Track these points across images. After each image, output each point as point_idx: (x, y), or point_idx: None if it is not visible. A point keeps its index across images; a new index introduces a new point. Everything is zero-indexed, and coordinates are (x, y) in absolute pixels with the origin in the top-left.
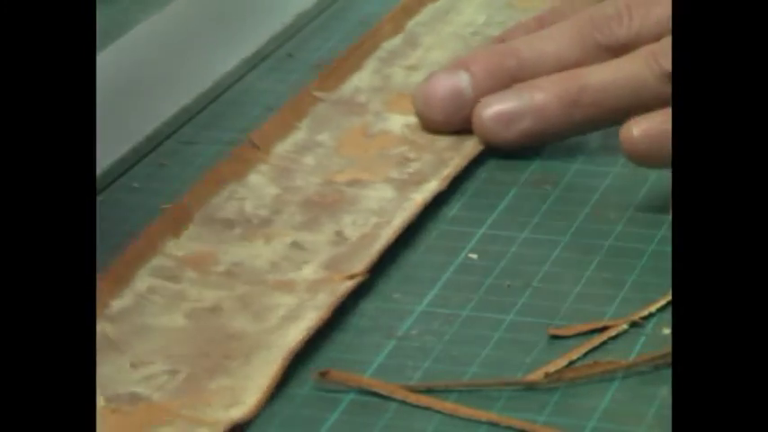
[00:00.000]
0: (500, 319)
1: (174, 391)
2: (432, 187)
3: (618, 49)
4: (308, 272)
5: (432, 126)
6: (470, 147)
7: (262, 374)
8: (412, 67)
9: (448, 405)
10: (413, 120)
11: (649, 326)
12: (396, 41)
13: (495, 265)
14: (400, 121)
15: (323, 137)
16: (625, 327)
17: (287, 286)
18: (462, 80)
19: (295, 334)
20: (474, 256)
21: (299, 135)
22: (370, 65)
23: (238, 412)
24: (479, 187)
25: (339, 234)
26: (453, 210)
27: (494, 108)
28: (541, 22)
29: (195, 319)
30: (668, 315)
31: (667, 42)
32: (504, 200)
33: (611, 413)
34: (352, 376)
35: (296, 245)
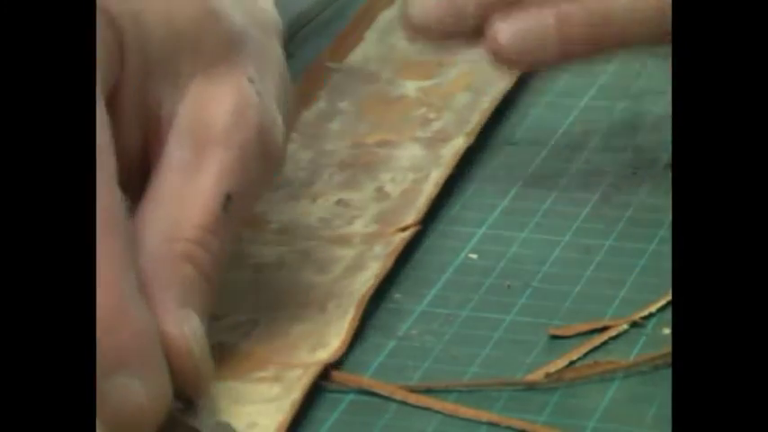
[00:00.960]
0: (500, 319)
1: (259, 339)
2: (460, 143)
3: None
4: (360, 226)
5: (423, 31)
6: (488, 103)
7: (339, 320)
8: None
9: (448, 405)
10: (426, 84)
11: (649, 326)
12: (391, 12)
13: (495, 265)
14: (414, 86)
15: (344, 104)
16: (625, 327)
17: (343, 240)
18: None
19: (362, 282)
20: (474, 256)
21: (320, 104)
22: (372, 35)
23: (325, 354)
24: (479, 187)
25: (380, 191)
26: (453, 210)
27: (512, 28)
28: None
29: (262, 272)
30: (668, 315)
31: None
32: (504, 200)
33: (611, 413)
34: (352, 376)
35: (341, 202)
